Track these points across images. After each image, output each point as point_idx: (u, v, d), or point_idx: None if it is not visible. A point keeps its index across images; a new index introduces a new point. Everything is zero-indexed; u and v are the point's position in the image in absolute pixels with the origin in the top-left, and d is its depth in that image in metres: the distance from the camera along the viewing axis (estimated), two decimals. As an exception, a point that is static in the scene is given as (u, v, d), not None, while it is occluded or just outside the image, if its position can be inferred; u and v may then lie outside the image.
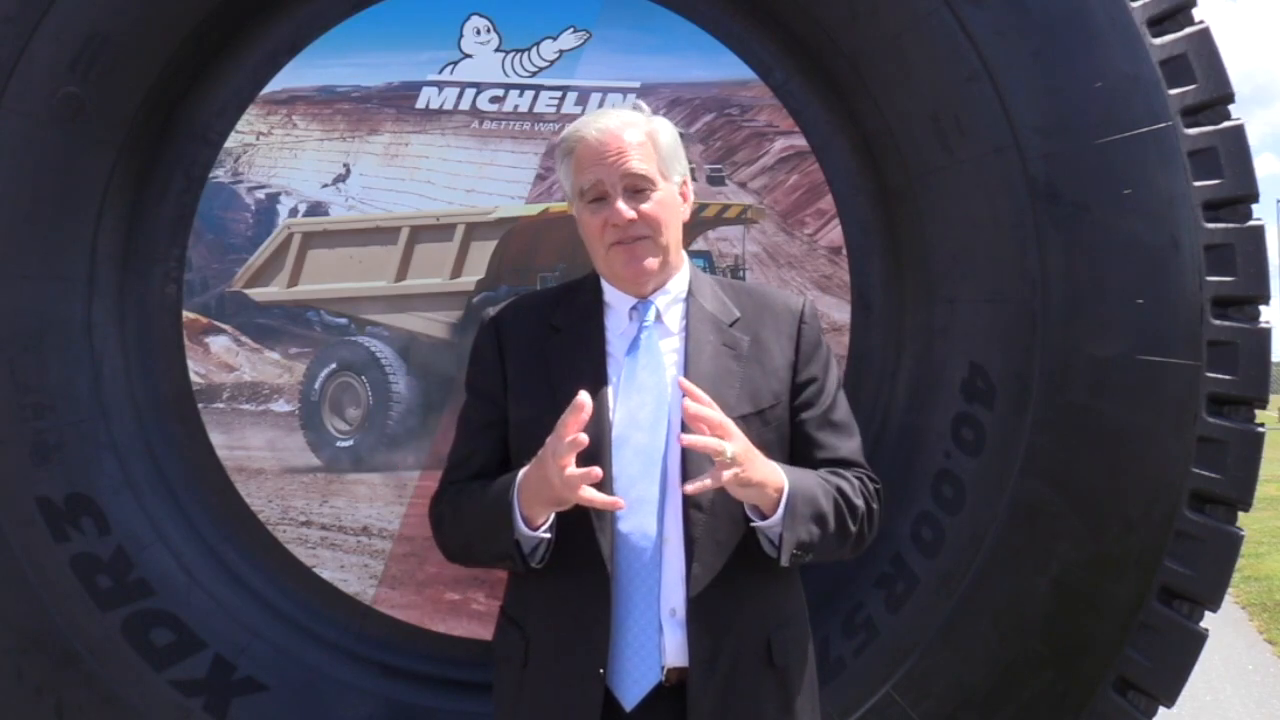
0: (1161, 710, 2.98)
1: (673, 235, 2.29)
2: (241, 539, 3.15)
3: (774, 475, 2.14)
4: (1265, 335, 2.87)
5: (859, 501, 2.26)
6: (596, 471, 2.07)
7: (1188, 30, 2.89)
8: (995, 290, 2.89)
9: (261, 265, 3.20)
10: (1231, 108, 2.89)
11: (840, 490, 2.24)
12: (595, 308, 2.33)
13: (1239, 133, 2.87)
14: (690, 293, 2.33)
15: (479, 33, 3.16)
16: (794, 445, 2.31)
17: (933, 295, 2.99)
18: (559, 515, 2.20)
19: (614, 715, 2.18)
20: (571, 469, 2.05)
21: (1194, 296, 2.81)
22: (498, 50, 3.17)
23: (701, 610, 2.18)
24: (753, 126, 3.19)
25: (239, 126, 3.16)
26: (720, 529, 2.20)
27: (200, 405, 3.16)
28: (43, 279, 2.94)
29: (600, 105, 3.15)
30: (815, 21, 3.00)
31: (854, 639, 2.97)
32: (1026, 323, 2.84)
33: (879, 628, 2.96)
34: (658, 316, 2.30)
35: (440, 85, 3.18)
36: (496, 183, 3.19)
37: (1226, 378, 2.83)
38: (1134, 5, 2.85)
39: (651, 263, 2.26)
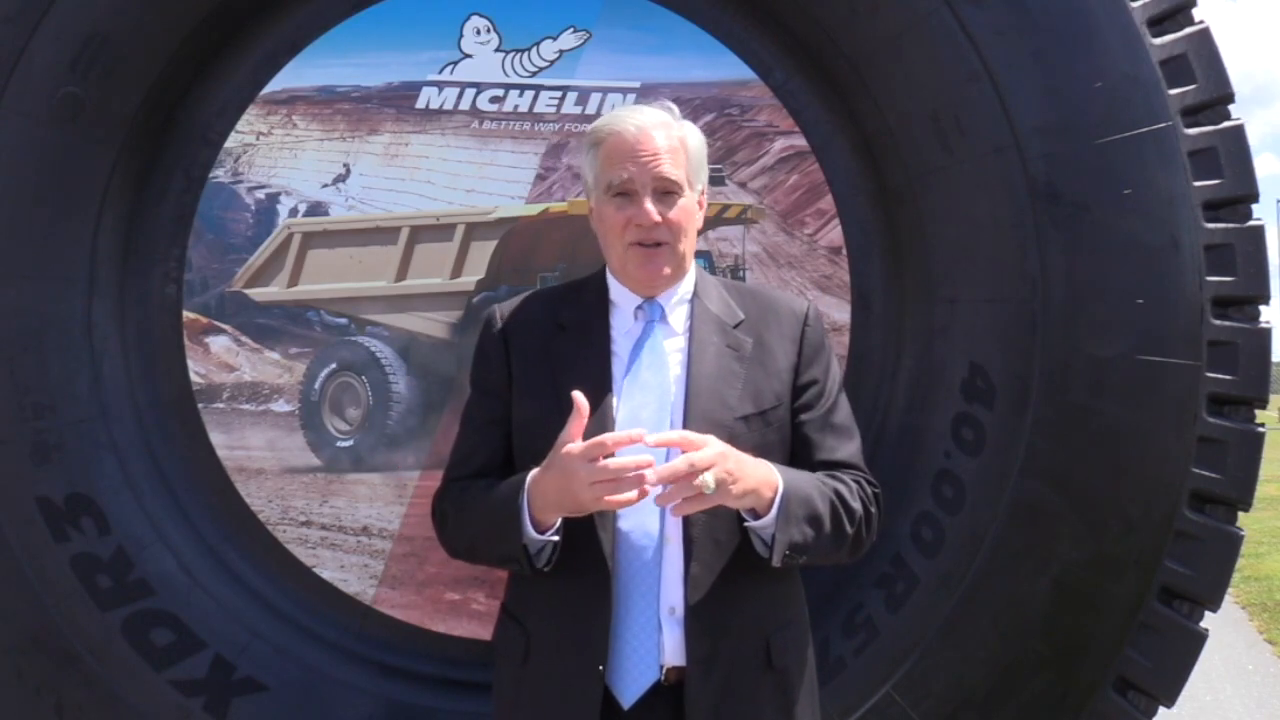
0: (1161, 710, 2.98)
1: (689, 243, 2.30)
2: (241, 539, 3.15)
3: (768, 477, 2.14)
4: (1265, 335, 2.87)
5: (856, 505, 2.26)
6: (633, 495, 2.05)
7: (1188, 30, 2.89)
8: (995, 290, 2.89)
9: (261, 265, 3.20)
10: (1231, 108, 2.89)
11: (837, 493, 2.24)
12: (601, 306, 2.33)
13: (1239, 133, 2.87)
14: (696, 294, 2.34)
15: (479, 33, 3.16)
16: (793, 446, 2.31)
17: (933, 295, 2.99)
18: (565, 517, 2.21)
19: (612, 713, 2.18)
20: (604, 488, 2.03)
21: (1194, 296, 2.81)
22: (498, 50, 3.17)
23: (700, 610, 2.18)
24: (753, 126, 3.19)
25: (239, 126, 3.16)
26: (719, 529, 2.20)
27: (200, 405, 3.16)
28: (43, 279, 2.94)
29: (600, 105, 3.15)
30: (815, 21, 3.00)
31: (854, 639, 2.97)
32: (1026, 323, 2.84)
33: (879, 628, 2.96)
34: (663, 316, 2.31)
35: (440, 85, 3.18)
36: (496, 183, 3.19)
37: (1226, 378, 2.83)
38: (1134, 5, 2.85)
39: (667, 269, 2.27)
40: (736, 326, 2.32)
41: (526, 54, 3.17)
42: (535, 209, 3.19)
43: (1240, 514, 2.92)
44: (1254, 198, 2.88)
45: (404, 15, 3.16)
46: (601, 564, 2.17)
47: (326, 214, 3.20)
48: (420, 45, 3.17)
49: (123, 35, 2.90)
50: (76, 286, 2.98)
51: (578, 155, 3.04)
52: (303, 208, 3.21)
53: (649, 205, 2.22)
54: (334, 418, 3.20)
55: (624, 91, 3.16)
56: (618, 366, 2.27)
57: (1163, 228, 2.80)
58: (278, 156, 3.19)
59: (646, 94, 3.12)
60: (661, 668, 2.18)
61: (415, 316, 3.20)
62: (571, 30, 3.16)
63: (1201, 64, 2.86)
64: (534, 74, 3.17)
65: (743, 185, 3.20)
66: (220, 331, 3.20)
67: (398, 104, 3.18)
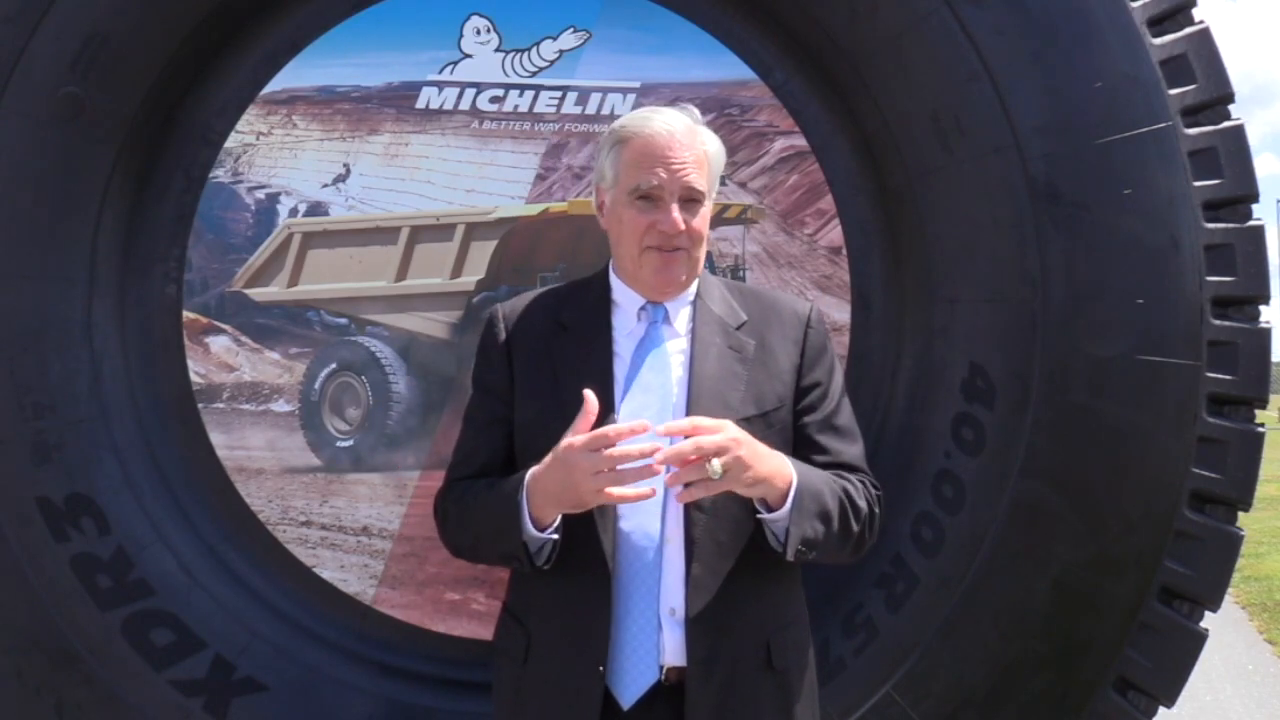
0: (1161, 710, 2.98)
1: (703, 251, 2.31)
2: (241, 539, 3.15)
3: (781, 468, 2.14)
4: (1265, 335, 2.87)
5: (862, 503, 2.27)
6: (651, 492, 2.05)
7: (1188, 30, 2.89)
8: (995, 290, 2.89)
9: (261, 265, 3.20)
10: (1231, 108, 2.89)
11: (845, 491, 2.25)
12: (603, 306, 2.33)
13: (1239, 133, 2.87)
14: (698, 295, 2.34)
15: (479, 33, 3.16)
16: (796, 448, 2.31)
17: (933, 295, 2.99)
18: (564, 515, 2.21)
19: (612, 714, 2.18)
20: (605, 480, 2.03)
21: (1194, 296, 2.81)
22: (498, 50, 3.17)
23: (701, 611, 2.18)
24: (753, 126, 3.19)
25: (239, 126, 3.16)
26: (721, 530, 2.21)
27: (200, 405, 3.16)
28: (43, 279, 2.94)
29: (600, 105, 3.15)
30: (815, 21, 3.00)
31: (854, 639, 2.97)
32: (1026, 323, 2.84)
33: (879, 628, 2.96)
34: (666, 317, 2.31)
35: (440, 85, 3.18)
36: (496, 183, 3.19)
37: (1226, 378, 2.83)
38: (1134, 5, 2.85)
39: (681, 275, 2.28)
40: (739, 328, 2.32)
41: (526, 54, 3.17)
42: (535, 209, 3.19)
43: (1240, 514, 2.92)
44: (1254, 198, 2.88)
45: (404, 15, 3.16)
46: (602, 564, 2.18)
47: (326, 214, 3.20)
48: (420, 45, 3.17)
49: (123, 35, 2.90)
50: (76, 286, 2.98)
51: (579, 156, 3.03)
52: (303, 208, 3.20)
53: (676, 214, 2.21)
54: (334, 418, 3.20)
55: (624, 91, 3.16)
56: (620, 367, 2.27)
57: (1163, 228, 2.80)
58: (278, 156, 3.19)
59: (646, 94, 3.12)
60: (661, 668, 2.19)
61: (415, 316, 3.20)
62: (571, 30, 3.16)
63: (1201, 64, 2.86)
64: (534, 74, 3.17)
65: (743, 185, 3.20)
66: (220, 331, 3.20)
67: (398, 104, 3.18)
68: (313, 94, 3.18)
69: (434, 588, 3.15)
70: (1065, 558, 2.85)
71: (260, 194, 3.20)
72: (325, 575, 3.15)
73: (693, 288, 2.34)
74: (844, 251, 3.17)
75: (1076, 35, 2.82)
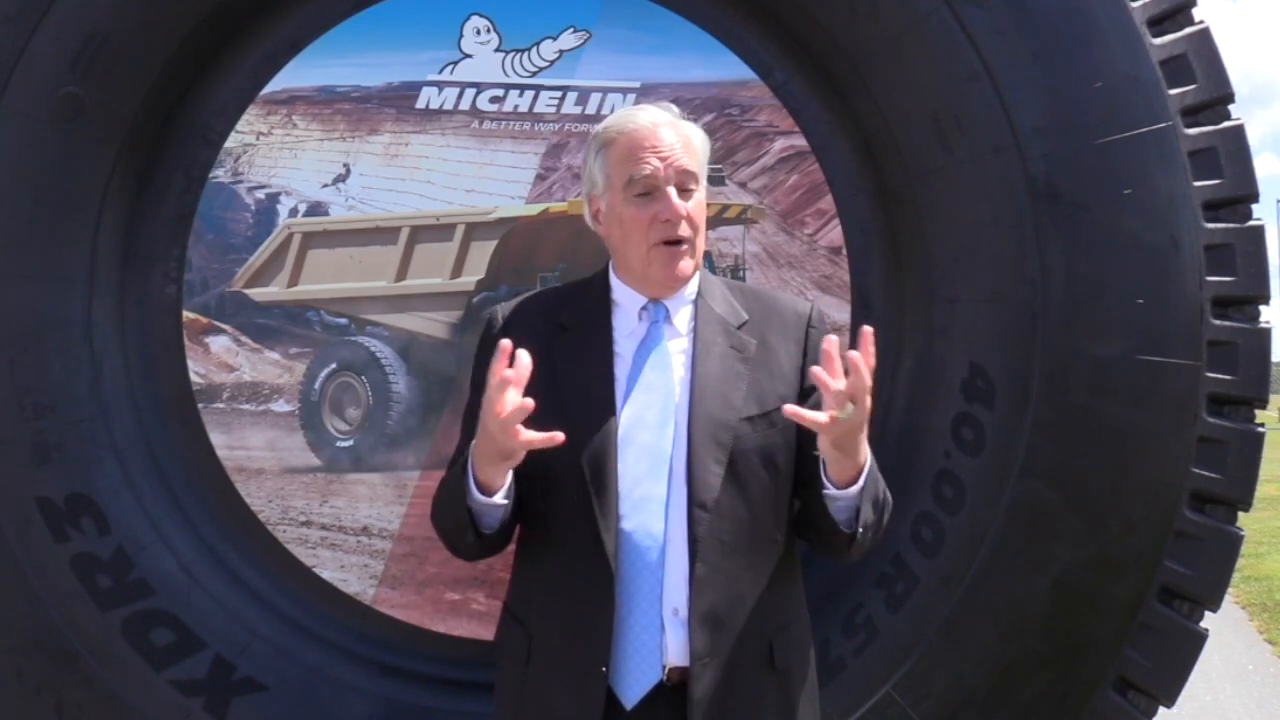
0: (1161, 710, 2.98)
1: (703, 240, 2.30)
2: (241, 539, 3.15)
3: (866, 448, 2.14)
4: (1265, 335, 2.87)
5: (891, 499, 2.27)
6: (528, 403, 2.02)
7: (1188, 30, 2.89)
8: (995, 290, 2.89)
9: (261, 265, 3.20)
10: (1231, 108, 2.89)
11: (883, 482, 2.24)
12: (603, 306, 2.33)
13: (1239, 133, 2.87)
14: (700, 294, 2.34)
15: (479, 33, 3.16)
16: (802, 448, 2.29)
17: (933, 295, 2.99)
18: (562, 515, 2.20)
19: (615, 714, 2.18)
20: (509, 417, 2.01)
21: (1194, 296, 2.81)
22: (498, 50, 3.17)
23: (704, 610, 2.18)
24: (753, 126, 3.19)
25: (239, 126, 3.16)
26: (724, 530, 2.20)
27: (200, 405, 3.16)
28: (43, 279, 2.94)
29: (600, 105, 3.15)
30: (815, 21, 3.00)
31: (854, 639, 2.97)
32: (1026, 323, 2.84)
33: (879, 628, 2.96)
34: (667, 317, 2.30)
35: (440, 85, 3.18)
36: (496, 183, 3.19)
37: (1226, 378, 2.83)
38: (1134, 5, 2.85)
39: (687, 266, 2.27)
40: (740, 327, 2.31)
41: (526, 54, 3.17)
42: (535, 209, 3.19)
43: (1240, 514, 2.92)
44: (1254, 198, 2.88)
45: (404, 15, 3.16)
46: (604, 564, 2.17)
47: (326, 214, 3.20)
48: (420, 45, 3.17)
49: (123, 35, 2.90)
50: (76, 286, 2.98)
51: (578, 156, 3.03)
52: (303, 208, 3.20)
53: (675, 198, 2.21)
54: (334, 418, 3.20)
55: (624, 91, 3.16)
56: (620, 367, 2.27)
57: (1163, 228, 2.80)
58: (278, 156, 3.19)
59: (646, 94, 3.12)
60: (664, 668, 2.18)
61: (415, 316, 3.20)
62: (571, 30, 3.16)
63: (1201, 64, 2.86)
64: (534, 74, 3.17)
65: (743, 185, 3.20)
66: (220, 331, 3.20)
67: (398, 104, 3.18)
68: (313, 94, 3.18)
69: (434, 588, 3.15)
70: (1065, 558, 2.85)
71: (260, 194, 3.20)
72: (325, 575, 3.15)
73: (694, 287, 2.34)
74: (844, 251, 3.17)
75: (1076, 35, 2.82)
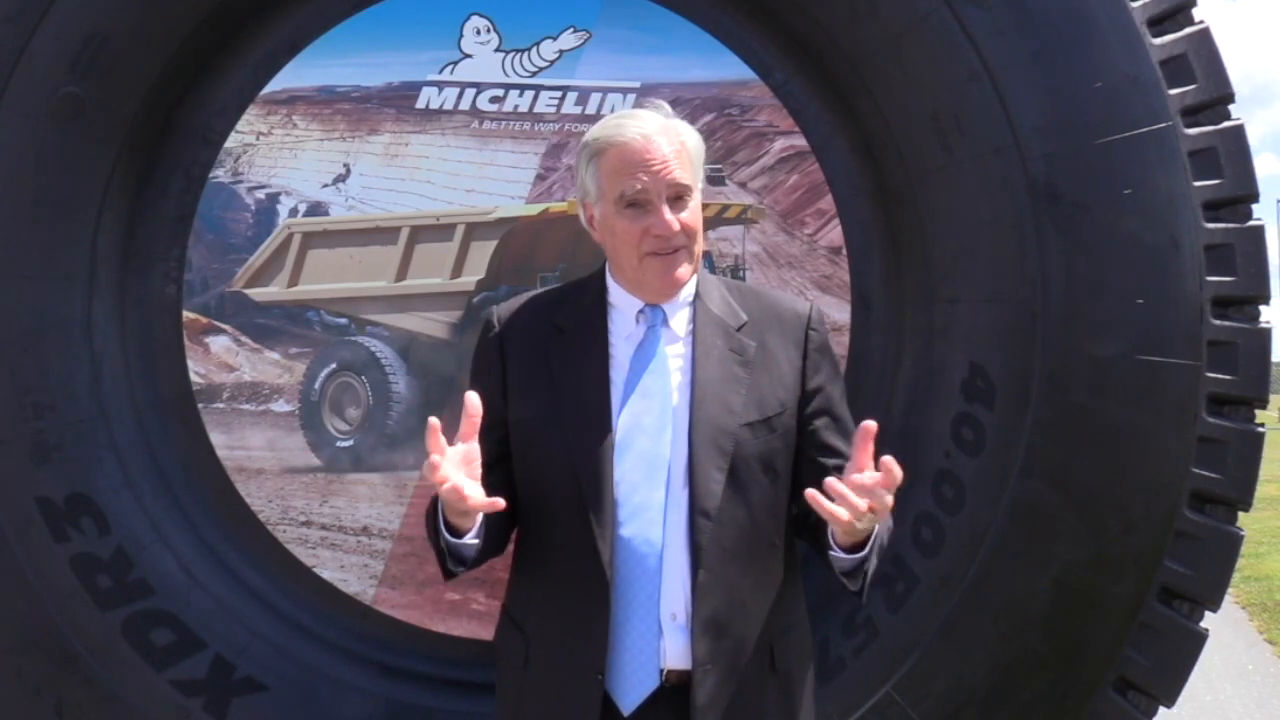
0: (1161, 710, 2.98)
1: (700, 244, 2.28)
2: (241, 539, 3.15)
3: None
4: (1265, 335, 2.87)
5: (893, 524, 2.27)
6: (499, 503, 2.04)
7: (1188, 30, 2.89)
8: (995, 290, 2.89)
9: (261, 265, 3.20)
10: (1231, 108, 2.89)
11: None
12: (600, 308, 2.31)
13: (1239, 133, 2.87)
14: (698, 295, 2.31)
15: (479, 33, 3.16)
16: (804, 452, 2.29)
17: (933, 295, 2.99)
18: (559, 521, 2.20)
19: (613, 718, 2.18)
20: (451, 482, 2.01)
21: (1194, 296, 2.81)
22: (498, 50, 3.17)
23: (706, 617, 2.17)
24: (753, 126, 3.19)
25: (239, 126, 3.16)
26: (726, 537, 2.19)
27: (200, 405, 3.16)
28: (43, 279, 2.94)
29: (600, 105, 3.15)
30: (815, 21, 3.00)
31: (854, 639, 2.97)
32: (1026, 323, 2.84)
33: (879, 628, 2.96)
34: (665, 320, 2.28)
35: (440, 85, 3.18)
36: (496, 183, 3.19)
37: (1226, 378, 2.83)
38: (1134, 5, 2.85)
39: (684, 273, 2.24)
40: (740, 329, 2.29)
41: (526, 54, 3.17)
42: (535, 209, 3.19)
43: (1240, 514, 2.92)
44: (1254, 198, 2.88)
45: (404, 15, 3.16)
46: (600, 572, 2.16)
47: (326, 214, 3.20)
48: (420, 45, 3.17)
49: (123, 35, 2.90)
50: (76, 286, 2.98)
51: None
52: (303, 208, 3.21)
53: (668, 215, 2.19)
54: (334, 418, 3.20)
55: (624, 91, 3.16)
56: (617, 371, 2.25)
57: (1163, 228, 2.80)
58: (278, 156, 3.19)
59: (646, 94, 3.11)
60: (662, 672, 2.18)
61: (415, 316, 3.20)
62: (571, 30, 3.16)
63: (1201, 64, 2.86)
64: (534, 74, 3.17)
65: (743, 185, 3.20)
66: (220, 331, 3.20)
67: (398, 104, 3.18)
68: (313, 94, 3.18)
69: (434, 588, 3.15)
70: (1065, 558, 2.85)
71: (260, 194, 3.21)
72: (325, 575, 3.15)
73: (691, 288, 2.32)
74: (844, 251, 3.17)
75: (1076, 35, 2.82)
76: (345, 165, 3.20)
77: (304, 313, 3.21)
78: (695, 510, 2.17)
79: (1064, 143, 2.81)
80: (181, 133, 3.12)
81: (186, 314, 3.16)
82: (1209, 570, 2.88)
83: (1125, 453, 2.83)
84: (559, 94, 3.17)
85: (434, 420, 2.03)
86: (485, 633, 2.93)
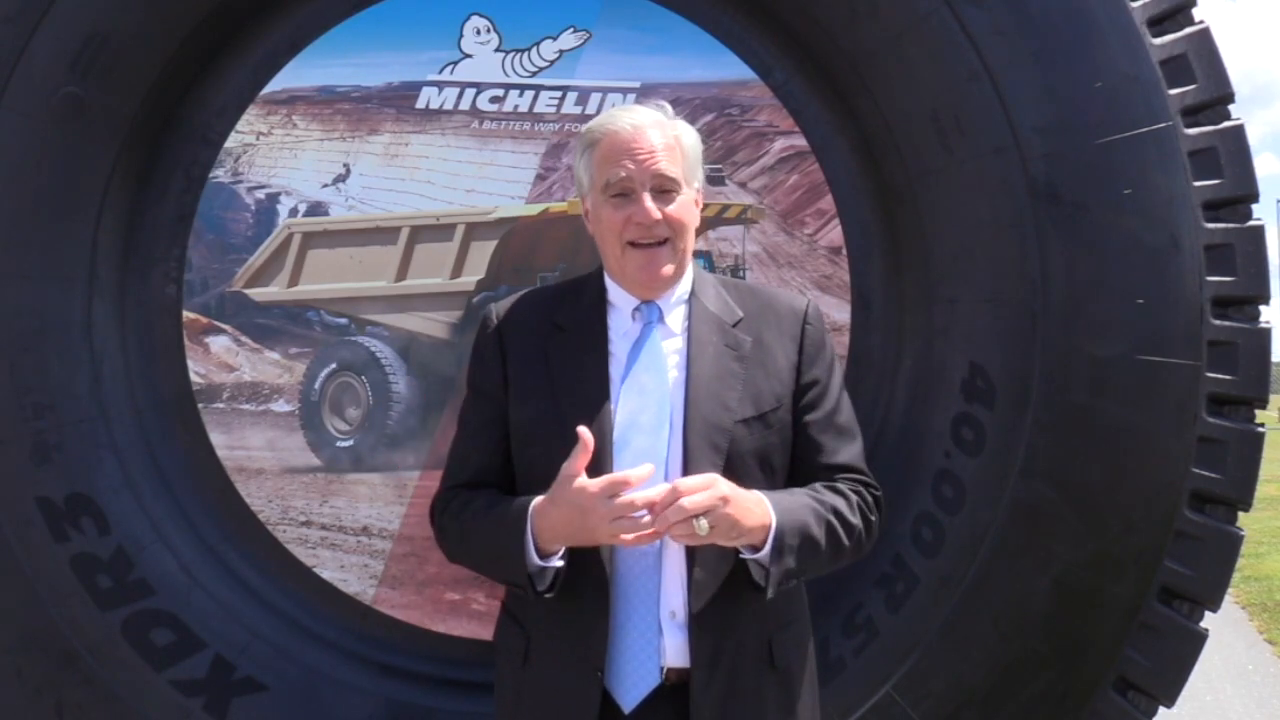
0: (1161, 710, 2.98)
1: (689, 241, 2.28)
2: (241, 539, 3.15)
3: (762, 518, 2.12)
4: (1265, 335, 2.87)
5: (855, 520, 2.25)
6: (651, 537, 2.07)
7: (1188, 30, 2.89)
8: (995, 290, 2.89)
9: (261, 265, 3.20)
10: (1231, 108, 2.89)
11: (835, 510, 2.22)
12: (598, 307, 2.32)
13: (1239, 133, 2.87)
14: (693, 293, 2.32)
15: (479, 33, 3.16)
16: (796, 447, 2.30)
17: (933, 295, 2.99)
18: None
19: (613, 716, 2.18)
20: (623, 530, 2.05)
21: (1194, 296, 2.81)
22: (498, 50, 3.17)
23: (704, 613, 2.17)
24: (753, 126, 3.19)
25: (239, 126, 3.16)
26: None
27: (200, 405, 3.16)
28: (43, 279, 2.94)
29: (600, 105, 3.15)
30: (815, 21, 3.00)
31: (854, 639, 2.97)
32: (1026, 323, 2.84)
33: (879, 628, 2.96)
34: (660, 317, 2.29)
35: (440, 85, 3.18)
36: (496, 183, 3.19)
37: (1226, 378, 2.83)
38: (1134, 5, 2.85)
39: (667, 269, 2.25)
40: (735, 325, 2.30)
41: (526, 54, 3.17)
42: (535, 209, 3.19)
43: (1240, 514, 2.92)
44: (1254, 198, 2.88)
45: (404, 15, 3.16)
46: (600, 570, 2.17)
47: (326, 214, 3.20)
48: (420, 45, 3.17)
49: (123, 35, 2.90)
50: (76, 286, 2.98)
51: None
52: (303, 208, 3.21)
53: (649, 203, 2.20)
54: (334, 418, 3.20)
55: (624, 91, 3.16)
56: (615, 368, 2.26)
57: (1163, 228, 2.80)
58: (278, 156, 3.19)
59: (646, 94, 3.11)
60: (662, 670, 2.18)
61: (415, 316, 3.20)
62: (571, 30, 3.16)
63: (1201, 64, 2.86)
64: (534, 74, 3.17)
65: (743, 185, 3.20)
66: (220, 331, 3.20)
67: (398, 104, 3.18)
68: (313, 94, 3.18)
69: (434, 588, 3.15)
70: (1065, 558, 2.85)
71: (260, 194, 3.21)
72: (325, 575, 3.15)
73: (687, 285, 2.33)
74: (844, 251, 3.17)
75: (1076, 35, 2.82)
76: (345, 165, 3.20)
77: (304, 313, 3.21)
78: None
79: (1064, 143, 2.81)
80: (181, 133, 3.12)
81: (186, 314, 3.16)
82: (1209, 570, 2.88)
83: (1125, 453, 2.83)
84: (559, 94, 3.17)
85: (587, 436, 2.06)
86: (485, 632, 2.93)
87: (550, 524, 2.11)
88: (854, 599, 2.99)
